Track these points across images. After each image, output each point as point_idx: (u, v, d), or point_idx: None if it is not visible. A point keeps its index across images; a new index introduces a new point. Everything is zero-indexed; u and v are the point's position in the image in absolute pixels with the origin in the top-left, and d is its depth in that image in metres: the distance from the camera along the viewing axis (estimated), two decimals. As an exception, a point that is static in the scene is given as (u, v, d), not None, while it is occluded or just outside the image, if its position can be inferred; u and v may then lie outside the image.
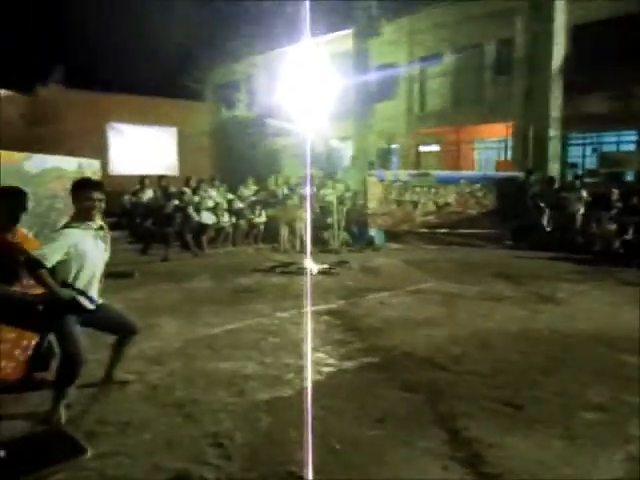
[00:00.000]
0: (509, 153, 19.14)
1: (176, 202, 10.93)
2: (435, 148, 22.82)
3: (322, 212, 12.72)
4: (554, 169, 15.49)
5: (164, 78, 20.37)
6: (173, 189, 11.68)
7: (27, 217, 5.68)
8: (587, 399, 3.83)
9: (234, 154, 15.82)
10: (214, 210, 11.49)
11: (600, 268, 9.38)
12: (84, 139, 12.11)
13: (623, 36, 15.13)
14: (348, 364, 4.55)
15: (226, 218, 11.66)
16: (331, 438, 3.25)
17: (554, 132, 15.31)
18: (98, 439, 3.23)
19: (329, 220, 12.34)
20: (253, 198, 12.72)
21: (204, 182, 12.08)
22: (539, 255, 10.80)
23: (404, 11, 19.63)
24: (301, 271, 8.98)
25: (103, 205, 3.62)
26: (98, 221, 3.65)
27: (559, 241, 11.74)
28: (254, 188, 13.26)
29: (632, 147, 17.07)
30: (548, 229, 12.27)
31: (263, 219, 12.23)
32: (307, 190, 11.58)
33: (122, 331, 3.89)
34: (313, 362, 4.59)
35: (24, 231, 4.10)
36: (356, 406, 3.72)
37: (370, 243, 12.22)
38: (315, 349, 4.94)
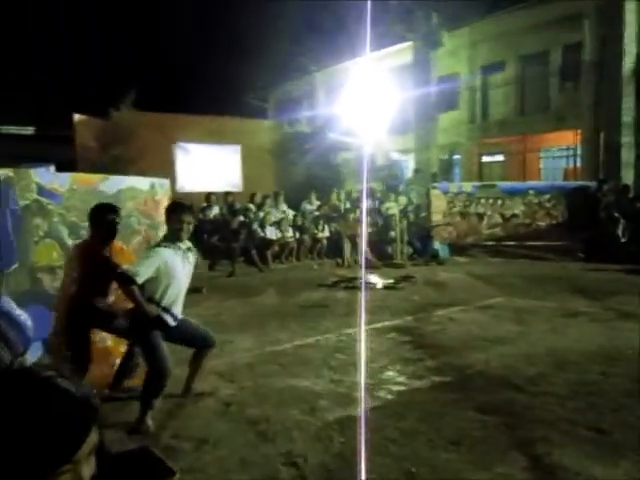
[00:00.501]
0: (578, 161, 18.42)
1: (241, 218, 11.16)
2: (499, 158, 22.28)
3: (385, 226, 12.66)
4: (628, 177, 14.76)
5: (229, 97, 20.98)
6: (238, 205, 11.93)
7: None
8: (679, 425, 3.60)
9: (296, 170, 15.99)
10: (278, 225, 11.65)
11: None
12: (154, 159, 12.56)
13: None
14: (419, 383, 4.47)
15: (290, 233, 11.79)
16: (405, 461, 3.18)
17: (627, 138, 14.61)
18: (175, 455, 3.30)
19: (392, 234, 12.26)
20: (316, 213, 12.81)
21: (268, 198, 12.27)
22: (614, 268, 10.28)
23: (465, 21, 19.37)
24: (366, 286, 8.94)
25: (191, 228, 3.84)
26: (187, 242, 3.86)
27: (636, 253, 11.12)
28: (317, 203, 13.35)
29: None
30: (623, 240, 11.67)
31: (326, 234, 12.29)
32: (363, 204, 11.54)
33: (200, 344, 4.02)
34: (383, 381, 4.54)
35: (119, 244, 4.33)
36: (429, 427, 3.64)
37: (435, 257, 12.04)
38: (384, 367, 4.89)
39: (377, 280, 9.25)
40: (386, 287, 8.94)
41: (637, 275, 9.60)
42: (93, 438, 1.30)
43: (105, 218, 4.01)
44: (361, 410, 3.77)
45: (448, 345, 5.53)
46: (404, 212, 13.06)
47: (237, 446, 3.40)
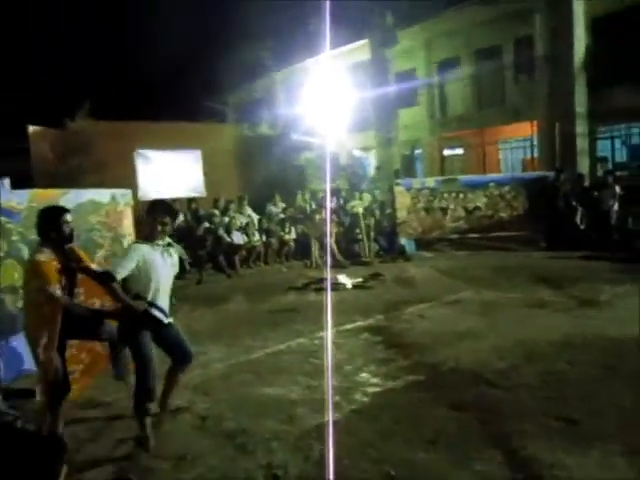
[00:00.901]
0: (535, 152, 18.87)
1: (206, 224, 11.05)
2: (459, 151, 22.65)
3: (351, 225, 12.71)
4: (584, 165, 15.20)
5: (187, 102, 20.75)
6: (202, 212, 11.80)
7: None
8: (645, 409, 3.73)
9: (259, 172, 15.90)
10: (244, 230, 11.58)
11: (641, 266, 9.14)
12: (114, 168, 12.30)
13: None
14: (393, 383, 4.52)
15: (257, 237, 11.73)
16: (384, 463, 3.22)
17: (581, 128, 15.05)
18: (154, 476, 3.26)
19: (358, 232, 12.32)
20: (282, 215, 12.78)
21: (233, 202, 12.18)
22: (575, 255, 10.57)
23: (419, 18, 19.62)
24: (335, 287, 8.96)
25: (168, 229, 3.85)
26: (166, 239, 3.88)
27: (595, 240, 11.47)
28: (282, 205, 13.32)
29: (663, 138, 16.68)
30: (582, 228, 12.01)
31: (293, 236, 12.27)
32: (327, 204, 11.55)
33: (180, 357, 3.96)
34: (358, 383, 4.57)
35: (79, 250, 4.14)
36: (406, 427, 3.68)
37: (401, 253, 12.14)
38: (358, 369, 4.92)
39: (346, 280, 9.28)
40: (355, 286, 8.98)
41: (596, 261, 9.92)
42: (62, 475, 1.28)
43: (58, 220, 3.79)
44: (329, 417, 3.78)
45: (419, 343, 5.60)
46: (369, 210, 13.13)
47: (216, 461, 3.38)
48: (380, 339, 5.84)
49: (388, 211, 13.49)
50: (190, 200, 12.32)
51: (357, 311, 7.18)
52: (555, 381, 4.33)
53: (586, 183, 12.94)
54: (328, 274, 9.55)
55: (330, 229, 11.70)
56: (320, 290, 8.84)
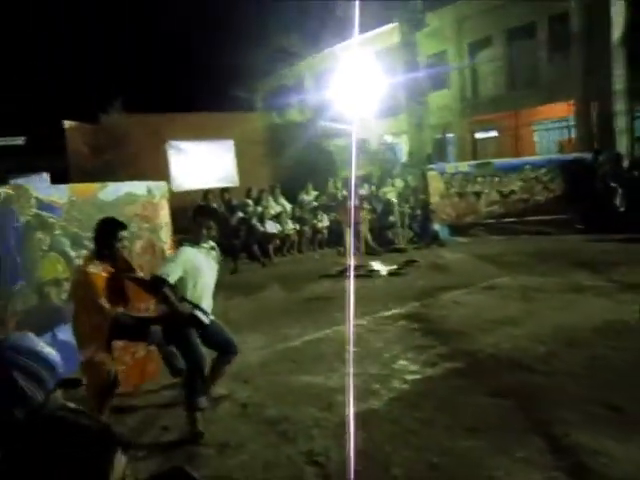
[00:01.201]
0: (572, 133, 18.39)
1: (240, 214, 11.15)
2: (493, 134, 22.24)
3: (383, 211, 12.66)
4: (622, 145, 14.76)
5: (216, 92, 20.86)
6: (235, 201, 11.91)
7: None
8: (692, 396, 3.64)
9: (290, 160, 15.94)
10: (277, 219, 11.65)
11: (684, 248, 8.88)
12: (147, 160, 12.51)
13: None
14: (432, 371, 4.51)
15: (290, 226, 11.79)
16: (427, 452, 3.23)
17: (620, 106, 14.60)
18: (199, 462, 3.35)
19: (391, 219, 12.27)
20: (314, 203, 12.80)
21: (265, 192, 12.26)
22: (614, 238, 10.30)
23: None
24: (370, 274, 8.97)
25: (213, 232, 3.96)
26: (209, 242, 3.99)
27: (634, 222, 11.15)
28: (314, 193, 13.33)
29: None
30: (621, 210, 11.69)
31: (326, 223, 12.29)
32: (352, 190, 11.50)
33: (225, 349, 4.05)
34: (396, 371, 4.58)
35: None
36: (446, 415, 3.68)
37: (436, 239, 12.05)
38: (396, 357, 4.93)
39: (380, 267, 9.28)
40: (390, 273, 8.97)
41: (636, 244, 9.65)
42: (120, 465, 1.33)
43: (114, 235, 3.90)
44: (349, 412, 3.76)
45: (457, 329, 5.57)
46: (402, 196, 13.06)
47: (259, 448, 3.44)
48: (417, 326, 5.83)
49: (421, 197, 13.38)
50: (223, 190, 12.44)
51: (393, 298, 7.18)
52: (597, 367, 4.27)
53: (625, 163, 12.57)
54: (351, 261, 9.52)
55: (362, 216, 11.68)
56: (355, 277, 8.84)
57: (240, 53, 21.06)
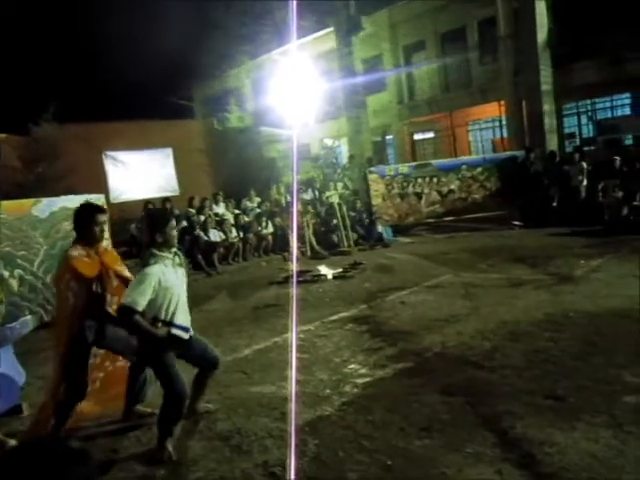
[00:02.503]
0: (505, 132, 19.09)
1: (183, 224, 10.95)
2: (430, 135, 22.80)
3: (328, 215, 12.73)
4: (552, 142, 15.44)
5: (153, 101, 20.43)
6: (177, 211, 11.68)
7: (44, 259, 5.75)
8: (626, 382, 3.84)
9: (232, 167, 15.81)
10: (221, 227, 11.50)
11: (612, 239, 9.37)
12: (83, 172, 12.12)
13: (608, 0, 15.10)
14: (382, 373, 4.56)
15: (234, 233, 11.66)
16: (381, 454, 3.26)
17: (548, 105, 15.27)
18: (152, 483, 3.26)
19: (335, 222, 12.35)
20: (258, 210, 12.73)
21: (207, 200, 12.09)
22: (549, 232, 10.78)
23: (383, 3, 19.63)
24: (316, 278, 9.00)
25: (174, 234, 3.67)
26: (173, 248, 3.69)
27: (567, 216, 11.70)
28: (257, 199, 13.26)
29: (627, 111, 17.02)
30: (554, 205, 12.23)
31: (270, 230, 12.24)
32: (294, 194, 11.53)
33: (207, 364, 3.90)
34: (347, 375, 4.61)
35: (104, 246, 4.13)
36: (398, 416, 3.73)
37: (380, 240, 12.22)
38: (346, 360, 4.96)
39: (327, 270, 9.33)
40: (336, 277, 9.02)
41: (569, 237, 10.13)
42: None
43: (91, 220, 3.80)
44: (301, 421, 3.79)
45: (404, 330, 5.66)
46: (345, 199, 13.17)
47: (213, 464, 3.38)
48: (365, 328, 5.89)
49: (364, 199, 13.54)
50: (164, 200, 12.18)
51: (340, 302, 7.23)
52: (539, 359, 4.43)
53: (556, 160, 13.15)
54: (295, 267, 9.54)
55: (306, 220, 11.72)
56: (301, 283, 8.85)
57: (177, 61, 20.72)
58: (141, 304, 3.38)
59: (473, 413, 3.65)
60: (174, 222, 3.69)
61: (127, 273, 3.99)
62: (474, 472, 2.98)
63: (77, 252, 3.71)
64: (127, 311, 3.38)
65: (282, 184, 14.40)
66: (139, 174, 14.95)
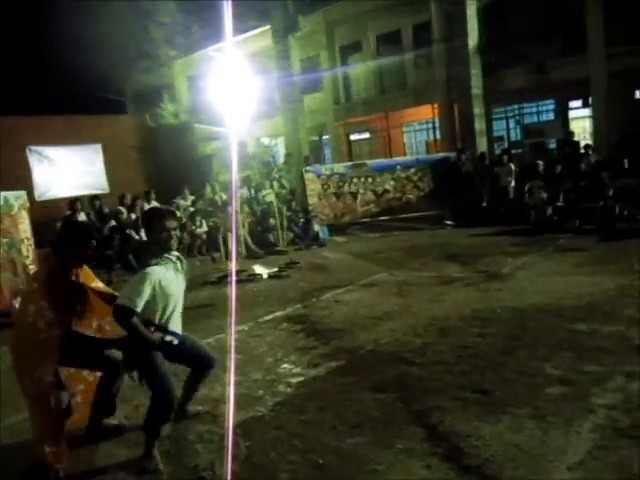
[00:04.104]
0: (438, 133, 19.60)
1: (113, 223, 10.58)
2: (366, 136, 23.10)
3: (263, 214, 12.64)
4: (482, 144, 15.96)
5: (83, 95, 19.63)
6: (107, 209, 11.28)
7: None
8: (548, 374, 3.99)
9: (165, 165, 15.42)
10: (153, 226, 11.17)
11: (538, 237, 9.79)
12: (3, 167, 11.48)
13: (533, 9, 15.79)
14: (315, 371, 4.56)
15: (167, 232, 11.35)
16: (313, 453, 3.24)
17: (478, 109, 15.76)
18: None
19: (272, 221, 12.28)
20: (192, 209, 12.46)
21: (139, 198, 11.73)
22: (479, 232, 11.12)
23: (320, 3, 19.70)
24: (251, 278, 8.91)
25: (178, 234, 3.48)
26: (175, 252, 3.47)
27: (496, 215, 12.15)
28: (191, 198, 12.99)
29: (551, 116, 17.86)
30: (484, 205, 12.66)
31: (205, 229, 12.01)
32: (233, 194, 11.40)
33: (200, 364, 3.73)
34: (280, 374, 4.57)
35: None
36: (331, 415, 3.73)
37: (316, 239, 12.24)
38: (280, 360, 4.92)
39: (262, 270, 9.25)
40: (271, 276, 8.97)
41: (498, 236, 10.51)
42: None
43: (85, 240, 3.55)
44: (233, 422, 3.71)
45: (338, 328, 5.68)
46: (281, 198, 13.11)
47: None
48: (299, 328, 5.87)
49: (300, 198, 13.54)
50: (93, 197, 11.73)
51: (274, 301, 7.18)
52: (468, 354, 4.54)
53: (486, 162, 13.61)
54: (233, 266, 9.43)
55: (242, 220, 11.58)
56: (237, 282, 8.73)
57: (108, 54, 20.01)
58: (138, 305, 3.17)
59: (404, 409, 3.70)
60: (174, 222, 3.44)
61: (101, 286, 3.78)
62: (404, 467, 3.02)
63: (49, 277, 3.42)
64: (123, 311, 3.18)
65: (218, 183, 14.16)
66: (66, 170, 14.33)
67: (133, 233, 10.61)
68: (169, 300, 3.37)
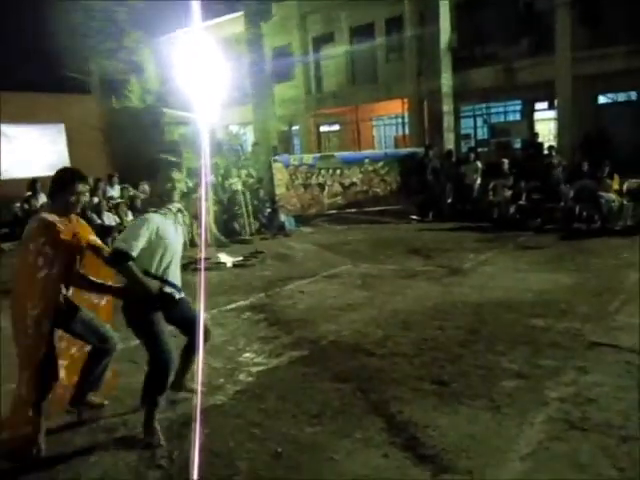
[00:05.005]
0: (406, 129, 19.75)
1: (74, 205, 10.32)
2: (335, 128, 23.12)
3: (230, 202, 12.52)
4: (449, 141, 16.20)
5: (45, 72, 19.02)
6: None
7: None
8: (504, 367, 4.10)
9: (130, 148, 15.12)
10: (116, 210, 10.96)
11: (500, 235, 9.99)
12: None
13: (504, 10, 16.03)
14: (277, 361, 4.56)
15: (129, 217, 11.14)
16: (271, 442, 3.25)
17: (447, 106, 15.97)
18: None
19: (238, 210, 12.18)
20: (157, 193, 12.24)
21: (102, 181, 11.47)
22: (443, 227, 11.28)
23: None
24: (216, 266, 8.83)
25: (182, 186, 3.49)
26: (177, 204, 3.45)
27: (461, 212, 12.35)
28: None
29: (517, 116, 18.20)
30: (449, 201, 12.84)
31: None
32: (202, 180, 11.24)
33: (194, 335, 3.60)
34: (241, 363, 4.56)
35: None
36: (292, 404, 3.74)
37: (282, 229, 12.20)
38: (241, 349, 4.91)
39: (226, 259, 9.17)
40: (236, 265, 8.90)
41: (461, 231, 10.67)
42: None
43: (72, 187, 3.37)
44: (197, 412, 3.64)
45: (301, 318, 5.69)
46: (248, 187, 13.01)
47: (96, 458, 3.20)
48: (262, 317, 5.85)
49: (267, 188, 13.46)
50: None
51: (238, 290, 7.14)
52: (428, 347, 4.62)
53: (453, 159, 13.80)
54: (202, 253, 9.32)
55: (208, 207, 11.45)
56: (199, 270, 8.63)
57: (72, 31, 19.42)
58: (135, 248, 3.13)
59: (363, 399, 3.74)
60: (177, 174, 3.48)
61: (99, 242, 3.65)
62: (362, 456, 3.05)
63: (52, 218, 3.29)
64: (120, 255, 3.12)
65: (184, 168, 13.95)
66: (27, 149, 13.91)
67: (95, 217, 10.36)
68: (167, 250, 3.34)
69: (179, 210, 3.50)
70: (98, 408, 3.78)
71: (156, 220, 3.28)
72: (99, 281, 3.71)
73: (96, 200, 10.77)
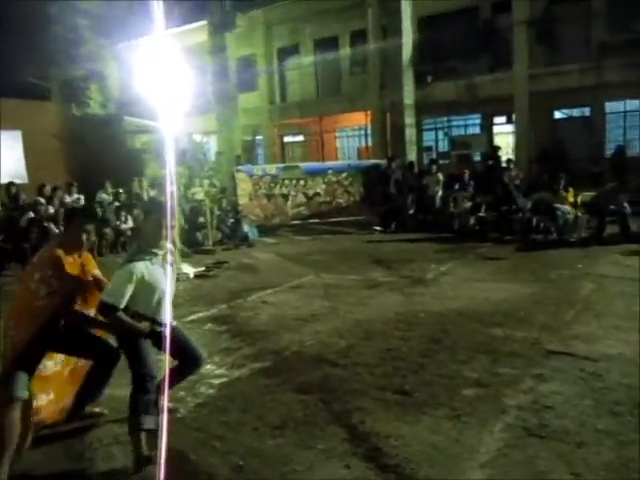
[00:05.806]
0: (370, 140, 19.97)
1: (31, 214, 10.03)
2: (299, 138, 23.19)
3: (192, 212, 12.38)
4: (412, 153, 16.42)
5: (5, 78, 18.49)
6: (25, 199, 10.69)
7: None
8: (465, 376, 4.15)
9: (90, 157, 14.81)
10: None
11: (460, 245, 10.17)
12: None
13: (465, 27, 16.44)
14: (239, 372, 4.51)
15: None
16: (233, 455, 3.20)
17: (409, 119, 16.19)
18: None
19: (200, 219, 12.06)
20: (117, 203, 12.02)
21: (60, 189, 11.19)
22: (406, 238, 11.41)
23: (259, 3, 19.61)
24: (177, 277, 8.69)
25: (170, 232, 3.43)
26: (165, 246, 3.39)
27: (422, 223, 12.53)
28: (112, 192, 12.49)
29: (477, 130, 18.63)
30: (411, 212, 13.01)
31: (130, 224, 11.62)
32: (167, 189, 11.14)
33: (188, 360, 3.57)
34: (203, 375, 4.47)
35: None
36: (253, 416, 3.70)
37: (245, 240, 12.13)
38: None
39: (188, 269, 9.05)
40: (198, 275, 8.80)
41: (423, 242, 10.82)
42: None
43: (83, 226, 3.43)
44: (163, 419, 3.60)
45: (264, 329, 5.65)
46: (211, 196, 12.91)
47: (50, 475, 3.10)
48: (224, 328, 5.79)
49: (230, 198, 13.39)
50: (9, 185, 11.08)
51: (200, 301, 7.06)
52: (390, 357, 4.64)
53: (415, 170, 14.00)
54: (168, 263, 9.18)
55: (169, 218, 11.28)
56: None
57: (31, 36, 18.98)
58: (121, 302, 3.20)
59: (326, 410, 3.73)
60: (171, 219, 3.41)
61: (101, 276, 3.67)
62: (324, 467, 3.04)
63: (62, 253, 3.35)
64: (108, 308, 3.19)
65: (146, 177, 13.76)
66: (-20, 157, 13.49)
67: (52, 226, 10.10)
68: (155, 292, 3.34)
69: (167, 251, 3.46)
70: (98, 417, 3.75)
71: (140, 268, 3.27)
72: (91, 315, 3.68)
73: (53, 209, 10.50)
